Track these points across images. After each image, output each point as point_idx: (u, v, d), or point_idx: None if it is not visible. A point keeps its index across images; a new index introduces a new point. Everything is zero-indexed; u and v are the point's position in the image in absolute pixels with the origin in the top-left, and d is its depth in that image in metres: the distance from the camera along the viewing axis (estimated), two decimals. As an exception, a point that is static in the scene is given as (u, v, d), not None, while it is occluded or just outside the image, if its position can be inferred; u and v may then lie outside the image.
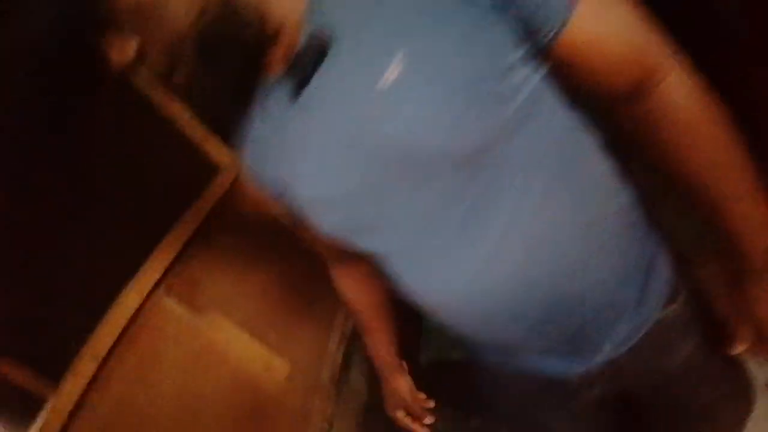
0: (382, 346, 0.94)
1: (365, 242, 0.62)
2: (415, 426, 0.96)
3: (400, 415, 0.97)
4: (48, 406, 1.07)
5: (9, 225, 1.14)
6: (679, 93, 0.53)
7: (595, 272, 0.57)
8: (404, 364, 0.98)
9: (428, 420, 0.95)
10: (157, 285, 1.32)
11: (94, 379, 1.14)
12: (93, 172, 1.34)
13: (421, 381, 1.68)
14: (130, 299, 1.24)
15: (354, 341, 1.82)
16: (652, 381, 0.70)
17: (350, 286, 0.89)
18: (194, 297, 1.42)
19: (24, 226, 1.17)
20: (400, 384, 0.97)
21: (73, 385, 1.10)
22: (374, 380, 1.79)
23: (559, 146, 0.54)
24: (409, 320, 1.88)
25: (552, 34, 0.48)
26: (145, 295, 1.27)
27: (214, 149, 1.61)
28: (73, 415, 1.09)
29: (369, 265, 0.82)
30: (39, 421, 1.05)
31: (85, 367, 1.12)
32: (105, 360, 1.16)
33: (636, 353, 0.63)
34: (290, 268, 1.78)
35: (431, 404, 0.96)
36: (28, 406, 1.09)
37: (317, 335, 1.77)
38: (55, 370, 1.12)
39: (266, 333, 1.56)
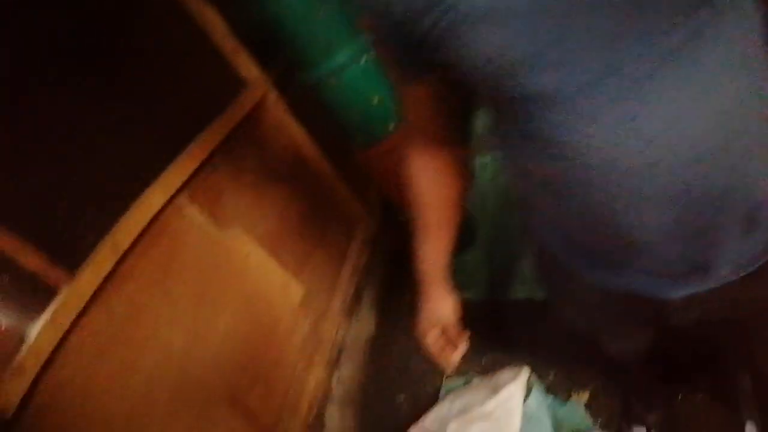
0: (437, 253, 0.80)
1: (533, 75, 0.49)
2: (445, 352, 0.84)
3: (432, 336, 0.84)
4: (62, 295, 1.03)
5: (43, 111, 1.10)
6: None
7: (751, 172, 0.52)
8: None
9: (461, 350, 0.83)
10: (180, 190, 1.29)
11: (112, 274, 1.10)
12: (126, 72, 1.29)
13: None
14: (154, 198, 1.20)
15: (366, 276, 1.81)
16: (756, 307, 0.66)
17: (429, 174, 0.75)
18: (216, 209, 1.39)
19: (57, 114, 1.13)
20: (446, 300, 0.83)
21: (91, 276, 1.06)
22: (384, 315, 1.80)
23: (760, 23, 0.48)
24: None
25: None
26: (169, 196, 1.23)
27: (244, 64, 1.54)
28: (87, 308, 1.05)
29: (456, 155, 0.75)
30: (50, 310, 1.01)
31: (105, 258, 1.09)
32: (125, 255, 1.13)
33: (751, 280, 0.58)
34: (306, 197, 1.75)
35: (468, 335, 0.84)
36: (39, 295, 1.05)
37: (330, 265, 1.76)
38: (69, 261, 1.09)
39: (283, 255, 1.53)
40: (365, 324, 1.70)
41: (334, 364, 1.54)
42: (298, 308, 1.54)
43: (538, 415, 1.13)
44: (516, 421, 1.12)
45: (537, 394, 1.16)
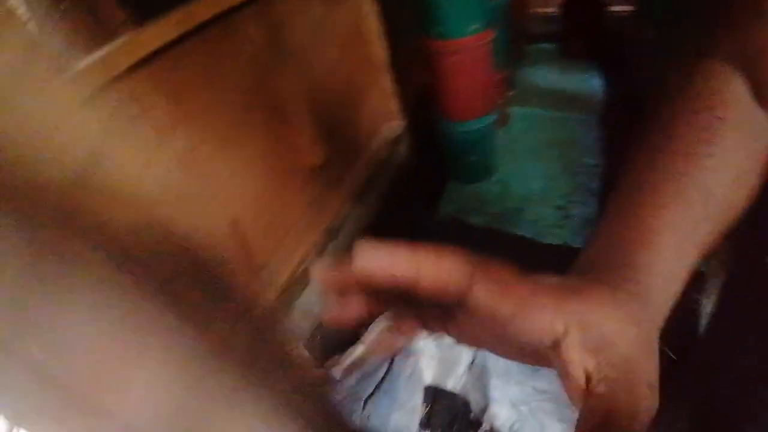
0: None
1: None
2: None
3: None
4: (120, 40, 0.97)
5: None
6: None
7: None
8: None
9: None
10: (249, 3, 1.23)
11: (172, 44, 1.05)
12: None
13: (435, 238, 1.70)
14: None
15: (380, 170, 1.81)
16: None
17: None
18: (275, 39, 1.34)
19: None
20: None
21: (154, 33, 1.01)
22: (385, 209, 1.80)
23: None
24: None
25: None
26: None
27: None
28: (135, 67, 0.99)
29: None
30: (104, 49, 0.94)
31: (174, 21, 1.04)
32: (189, 33, 1.08)
33: None
34: (350, 72, 1.71)
35: None
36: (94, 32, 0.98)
37: (350, 146, 1.75)
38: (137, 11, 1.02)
39: (317, 114, 1.51)
40: (366, 212, 1.71)
41: (333, 234, 1.55)
42: (317, 170, 1.52)
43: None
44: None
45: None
